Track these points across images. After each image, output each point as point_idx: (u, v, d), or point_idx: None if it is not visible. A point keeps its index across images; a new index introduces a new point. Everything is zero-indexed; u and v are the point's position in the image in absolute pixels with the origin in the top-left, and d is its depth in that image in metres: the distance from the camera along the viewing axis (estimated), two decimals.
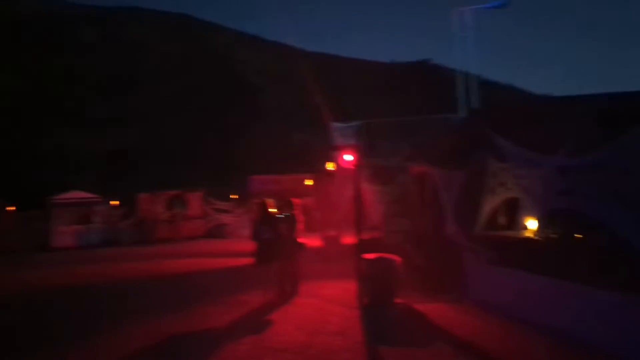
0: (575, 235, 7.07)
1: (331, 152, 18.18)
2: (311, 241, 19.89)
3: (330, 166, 12.28)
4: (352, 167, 12.19)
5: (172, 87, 54.19)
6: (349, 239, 18.24)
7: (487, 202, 8.59)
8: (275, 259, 10.91)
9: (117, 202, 29.08)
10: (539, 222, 6.99)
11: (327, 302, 10.82)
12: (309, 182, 28.69)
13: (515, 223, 8.85)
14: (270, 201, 29.54)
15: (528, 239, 7.85)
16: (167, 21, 79.13)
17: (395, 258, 10.72)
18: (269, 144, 44.19)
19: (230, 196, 31.49)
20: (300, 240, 11.81)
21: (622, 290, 6.11)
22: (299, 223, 12.37)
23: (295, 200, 12.37)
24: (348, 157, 11.72)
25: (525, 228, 8.14)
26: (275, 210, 18.27)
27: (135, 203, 28.29)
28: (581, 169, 6.18)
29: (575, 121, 6.34)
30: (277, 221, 11.23)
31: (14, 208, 27.07)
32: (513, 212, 8.78)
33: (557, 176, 6.57)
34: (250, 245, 13.01)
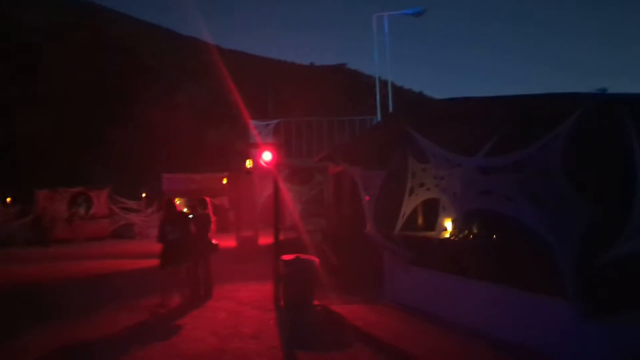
0: (494, 235, 7.17)
1: (249, 150, 17.68)
2: (226, 242, 19.31)
3: (248, 164, 11.82)
4: (271, 166, 11.80)
5: (77, 78, 50.72)
6: (265, 240, 17.92)
7: (407, 202, 8.56)
8: (182, 261, 10.24)
9: (10, 199, 26.62)
10: (457, 222, 7.02)
11: (242, 304, 10.36)
12: (224, 181, 27.88)
13: (434, 223, 8.90)
14: (180, 200, 28.56)
15: (447, 239, 7.89)
16: (73, 9, 74.23)
17: (313, 258, 10.49)
18: (184, 141, 42.64)
19: (142, 194, 29.94)
20: (213, 241, 11.24)
21: (537, 291, 6.23)
22: (212, 223, 11.79)
23: (209, 200, 11.74)
24: (267, 156, 11.31)
25: (444, 228, 8.20)
26: (187, 209, 17.52)
27: (33, 200, 26.06)
28: (500, 169, 6.24)
29: (495, 122, 6.40)
30: (184, 221, 10.57)
31: None
32: (433, 213, 8.81)
33: (477, 176, 6.61)
34: (159, 247, 12.25)
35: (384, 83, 20.69)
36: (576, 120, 4.99)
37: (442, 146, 7.18)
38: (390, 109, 20.57)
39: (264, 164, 11.67)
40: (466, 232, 7.45)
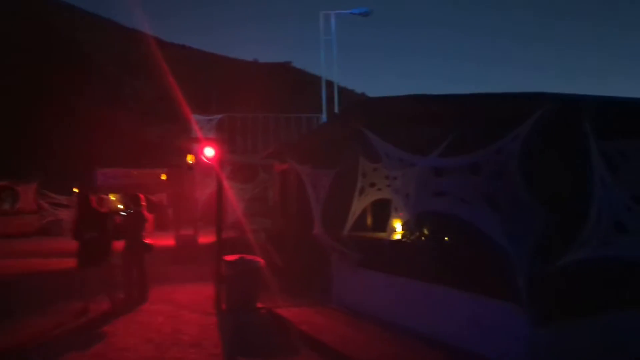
0: (445, 238, 7.03)
1: (191, 145, 16.98)
2: (164, 241, 18.49)
3: (190, 159, 11.23)
4: (213, 162, 11.26)
5: (13, 69, 47.44)
6: (205, 239, 17.27)
7: (357, 202, 8.31)
8: (101, 261, 9.45)
9: None
10: (409, 224, 6.83)
11: (181, 308, 9.80)
12: (163, 177, 26.79)
13: (384, 224, 8.69)
14: (115, 196, 27.23)
15: (398, 241, 7.69)
16: None
17: (258, 259, 10.07)
18: (125, 136, 40.79)
19: (73, 190, 28.27)
20: (147, 240, 10.54)
21: (490, 296, 6.12)
22: (147, 221, 11.10)
23: (144, 196, 11.02)
24: (209, 152, 10.77)
25: (394, 230, 8.01)
26: (121, 206, 16.63)
27: None
28: (456, 170, 6.08)
29: (452, 122, 6.24)
30: (101, 219, 9.77)
31: None
32: (382, 213, 8.60)
33: (431, 177, 6.43)
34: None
35: (329, 83, 20.57)
36: (536, 122, 4.87)
37: (396, 145, 6.96)
38: (336, 109, 20.49)
39: (206, 160, 11.13)
40: (417, 234, 7.25)
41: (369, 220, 8.80)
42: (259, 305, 9.68)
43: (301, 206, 11.15)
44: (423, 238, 6.91)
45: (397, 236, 8.07)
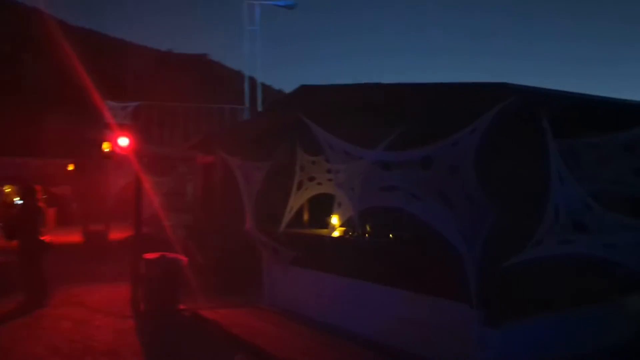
0: (390, 235, 6.77)
1: (102, 133, 15.65)
2: (69, 237, 16.98)
3: (106, 146, 10.20)
4: (127, 152, 10.34)
5: None
6: (117, 235, 16.06)
7: (295, 197, 7.86)
8: None
9: None
10: (354, 220, 6.49)
11: (93, 311, 8.87)
12: (70, 168, 24.70)
13: (322, 220, 8.32)
14: (10, 188, 24.78)
15: (338, 238, 7.33)
16: None
17: (181, 257, 9.34)
18: (23, 123, 37.30)
19: None
20: (45, 237, 9.45)
21: (438, 295, 5.92)
22: (44, 216, 9.96)
23: (40, 188, 9.90)
24: (123, 141, 9.86)
25: (336, 226, 7.65)
26: (19, 198, 14.96)
27: None
28: (406, 164, 5.81)
29: (403, 113, 5.97)
30: None
31: None
32: (320, 209, 8.22)
33: (379, 171, 6.14)
34: None
35: (246, 77, 19.96)
36: (497, 115, 4.70)
37: (340, 137, 6.59)
38: (259, 104, 19.88)
39: (119, 150, 10.19)
40: (360, 230, 6.92)
41: (306, 216, 8.39)
42: (182, 306, 8.96)
43: (229, 201, 10.52)
44: (367, 235, 6.61)
45: (336, 233, 7.74)
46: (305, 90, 7.02)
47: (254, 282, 9.34)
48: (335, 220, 8.28)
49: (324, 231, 8.04)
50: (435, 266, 5.88)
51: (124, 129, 10.52)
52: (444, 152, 5.34)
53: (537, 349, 5.50)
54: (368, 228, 7.01)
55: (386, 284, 6.43)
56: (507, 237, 5.14)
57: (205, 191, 12.68)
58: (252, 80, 19.83)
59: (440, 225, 5.57)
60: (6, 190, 27.10)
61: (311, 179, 7.72)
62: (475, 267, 5.34)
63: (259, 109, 20.17)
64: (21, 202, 9.54)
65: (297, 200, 7.86)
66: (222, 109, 17.89)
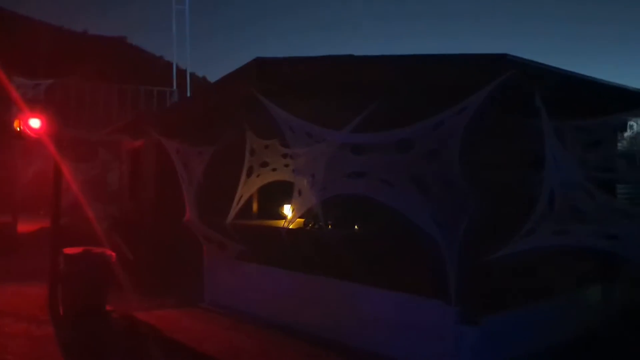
0: (355, 226, 6.23)
1: (12, 113, 13.98)
2: None
3: (17, 125, 8.89)
4: (41, 136, 9.13)
5: None
6: (27, 227, 14.45)
7: (245, 184, 7.11)
8: None
9: None
10: (317, 210, 5.87)
11: (1, 316, 7.64)
12: None
13: (274, 210, 7.65)
14: None
15: (298, 230, 6.67)
16: None
17: (108, 252, 8.30)
18: None
19: None
20: None
21: (408, 290, 5.46)
22: None
23: None
24: (35, 122, 8.66)
25: (295, 217, 6.98)
26: None
27: None
28: (379, 148, 5.28)
29: (377, 89, 5.40)
30: None
31: None
32: (276, 199, 7.55)
33: (347, 155, 5.56)
34: None
35: (168, 63, 18.84)
36: (491, 92, 4.25)
37: (302, 118, 5.94)
38: (188, 90, 18.83)
39: (31, 133, 8.95)
40: (324, 222, 6.26)
41: (255, 207, 7.67)
42: (109, 308, 7.96)
43: (163, 190, 9.58)
44: (330, 227, 6.02)
45: (285, 224, 7.13)
46: (260, 64, 6.30)
47: (193, 280, 8.50)
48: (288, 210, 7.62)
49: (278, 222, 7.38)
50: (406, 259, 5.42)
51: (35, 108, 9.26)
52: (425, 133, 4.84)
53: (512, 342, 5.20)
54: (328, 220, 6.40)
55: (351, 279, 5.89)
56: (492, 227, 4.76)
57: (134, 179, 11.54)
58: (180, 69, 18.81)
59: (415, 214, 5.10)
60: None
61: (264, 164, 7.01)
62: (454, 260, 4.92)
63: (188, 93, 19.14)
64: None
65: (247, 188, 7.12)
66: (150, 91, 16.61)
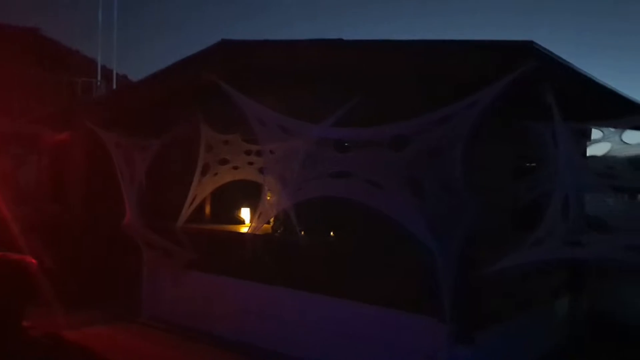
0: (331, 233, 5.57)
1: None
2: None
3: None
4: None
5: None
6: None
7: (200, 184, 6.24)
8: None
9: None
10: (289, 214, 5.14)
11: None
12: None
13: (234, 215, 6.83)
14: None
15: (264, 236, 5.86)
16: None
17: (28, 260, 7.10)
18: None
19: None
20: None
21: (389, 305, 4.89)
22: None
23: None
24: None
25: (249, 222, 6.19)
26: None
27: None
28: (366, 145, 4.68)
29: (364, 81, 4.79)
30: None
31: None
32: (232, 201, 6.74)
33: (327, 153, 4.91)
34: None
35: (89, 59, 17.44)
36: (508, 85, 3.78)
37: (274, 110, 5.23)
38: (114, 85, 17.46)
39: None
40: (298, 228, 5.47)
41: (208, 210, 6.80)
42: (26, 324, 6.76)
43: (95, 189, 8.45)
44: (302, 232, 5.31)
45: (245, 229, 6.34)
46: (226, 47, 5.52)
47: (129, 291, 7.48)
48: (246, 214, 6.86)
49: (235, 228, 6.58)
50: (390, 271, 4.84)
51: None
52: (426, 130, 4.30)
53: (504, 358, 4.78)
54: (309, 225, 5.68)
55: (325, 292, 5.22)
56: (493, 236, 4.31)
57: (57, 177, 10.18)
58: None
59: (407, 220, 4.52)
60: None
61: (223, 162, 6.20)
62: (450, 272, 4.41)
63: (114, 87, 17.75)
64: None
65: (202, 189, 6.25)
66: (73, 82, 15.03)
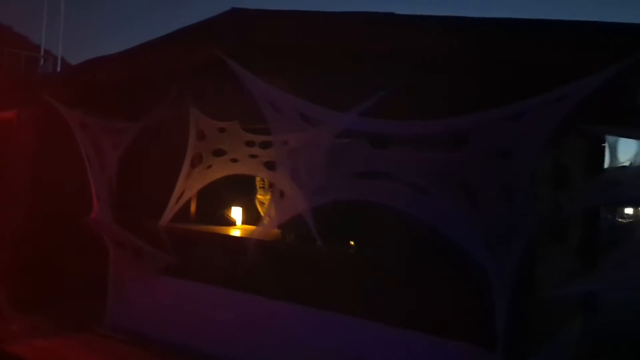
0: (351, 242, 4.59)
1: None
2: None
3: None
4: None
5: None
6: None
7: (189, 178, 5.07)
8: None
9: None
10: (307, 219, 4.12)
11: None
12: None
13: (223, 215, 5.69)
14: None
15: (271, 243, 4.71)
16: None
17: None
18: None
19: None
20: None
21: (422, 330, 4.01)
22: None
23: None
24: None
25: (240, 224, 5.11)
26: None
27: None
28: (408, 141, 3.78)
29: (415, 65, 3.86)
30: None
31: None
32: (219, 199, 5.62)
33: (360, 148, 3.97)
34: None
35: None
36: (614, 77, 3.01)
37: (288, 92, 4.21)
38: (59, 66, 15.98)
39: None
40: (315, 234, 4.40)
41: (193, 207, 5.64)
42: None
43: (46, 176, 7.04)
44: (318, 242, 4.30)
45: (237, 231, 5.26)
46: (237, 17, 4.43)
47: (88, 296, 6.19)
48: (237, 214, 5.76)
49: (225, 229, 5.47)
50: (426, 290, 3.96)
51: None
52: (494, 126, 3.45)
53: None
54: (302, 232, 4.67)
55: (347, 312, 4.26)
56: (557, 256, 3.53)
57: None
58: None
59: (456, 232, 3.65)
60: None
61: (218, 153, 5.06)
62: (505, 295, 3.58)
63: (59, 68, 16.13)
64: None
65: (192, 183, 5.06)
66: (17, 54, 13.17)
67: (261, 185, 5.68)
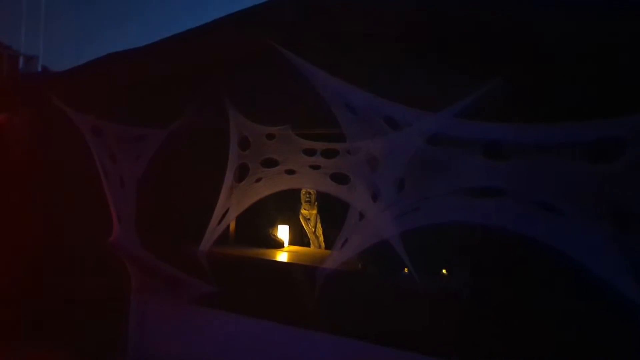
0: (443, 271, 3.68)
1: None
2: None
3: None
4: None
5: None
6: None
7: (232, 195, 4.08)
8: None
9: None
10: (395, 244, 3.20)
11: None
12: None
13: (268, 235, 4.70)
14: None
15: (340, 271, 3.77)
16: None
17: None
18: None
19: None
20: None
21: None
22: None
23: None
24: None
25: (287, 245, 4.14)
26: None
27: None
28: (533, 149, 2.91)
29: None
30: None
31: None
32: (268, 215, 4.64)
33: (466, 159, 3.08)
34: None
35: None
36: None
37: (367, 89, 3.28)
38: (39, 67, 14.97)
39: None
40: (409, 265, 3.44)
41: (232, 226, 4.64)
42: None
43: (43, 190, 5.94)
44: (406, 270, 3.38)
45: (284, 254, 4.28)
46: (299, 3, 3.46)
47: (106, 323, 5.16)
48: (284, 233, 4.78)
49: (272, 253, 4.49)
50: (559, 332, 3.10)
51: None
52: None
53: None
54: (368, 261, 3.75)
55: (445, 356, 3.35)
56: None
57: None
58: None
59: (597, 261, 2.80)
60: None
61: (269, 163, 4.09)
62: None
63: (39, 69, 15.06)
64: None
65: (240, 200, 4.06)
66: None
67: (307, 199, 4.74)
